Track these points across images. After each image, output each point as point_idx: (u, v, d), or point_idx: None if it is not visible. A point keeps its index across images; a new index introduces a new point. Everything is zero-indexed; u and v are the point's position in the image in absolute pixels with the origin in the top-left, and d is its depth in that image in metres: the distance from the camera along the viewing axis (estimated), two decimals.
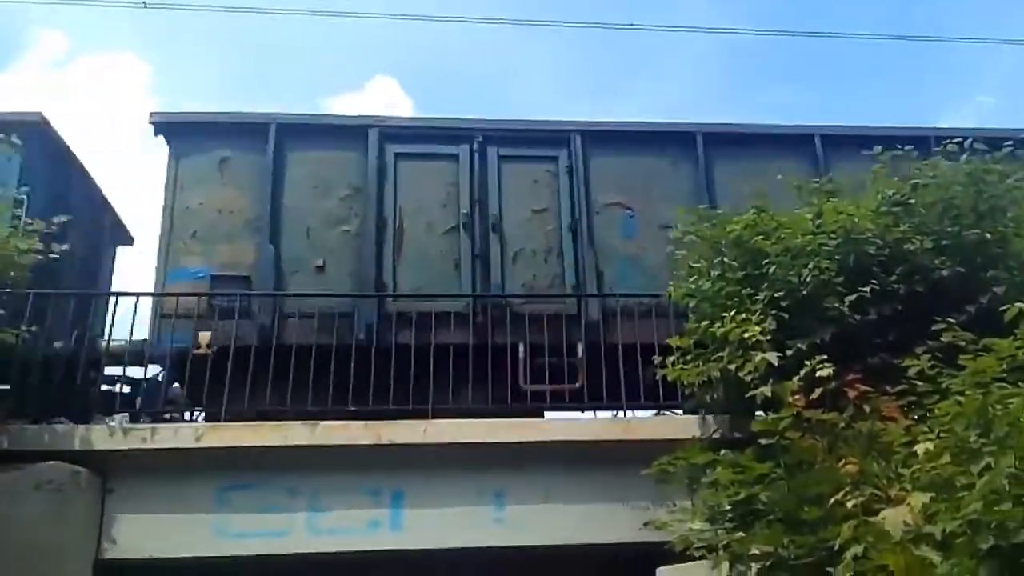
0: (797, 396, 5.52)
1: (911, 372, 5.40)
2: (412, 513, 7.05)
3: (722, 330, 6.35)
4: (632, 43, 43.74)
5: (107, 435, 6.94)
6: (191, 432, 6.98)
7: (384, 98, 35.40)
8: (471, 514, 7.08)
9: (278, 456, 6.99)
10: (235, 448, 6.94)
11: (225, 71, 33.64)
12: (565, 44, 36.15)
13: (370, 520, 7.05)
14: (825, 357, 5.69)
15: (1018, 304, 4.71)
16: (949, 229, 6.66)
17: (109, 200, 10.55)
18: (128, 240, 11.07)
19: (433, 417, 7.25)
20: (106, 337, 7.88)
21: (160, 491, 6.98)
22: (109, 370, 7.95)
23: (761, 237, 6.84)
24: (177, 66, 34.16)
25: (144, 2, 12.37)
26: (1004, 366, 4.48)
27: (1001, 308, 4.89)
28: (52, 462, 6.64)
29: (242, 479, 7.03)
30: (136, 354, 7.92)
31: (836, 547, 4.47)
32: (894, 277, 6.43)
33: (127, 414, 7.39)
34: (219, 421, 7.26)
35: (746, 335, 6.10)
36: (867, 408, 5.44)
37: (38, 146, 8.92)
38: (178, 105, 34.72)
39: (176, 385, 8.10)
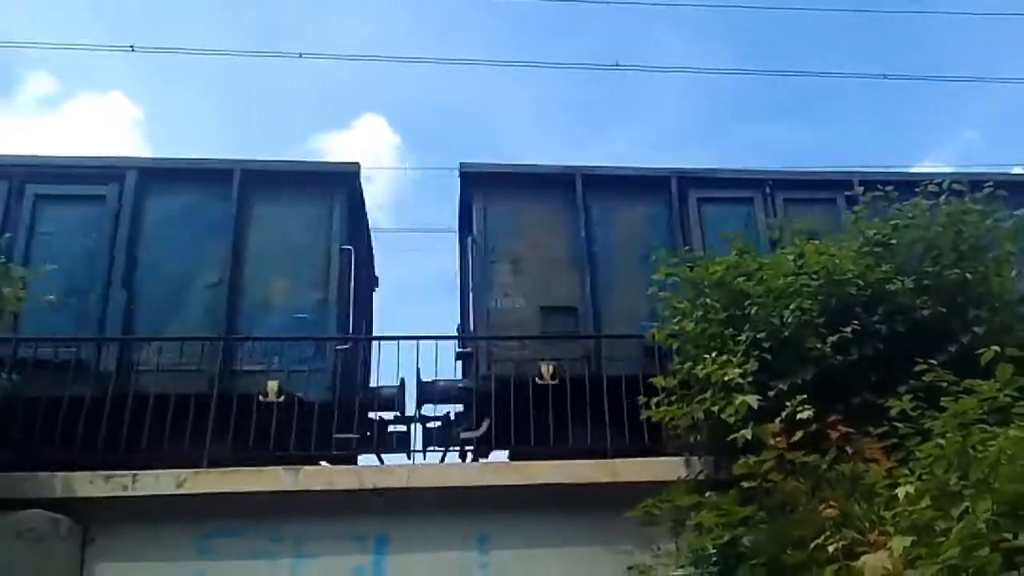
0: (779, 438, 5.50)
1: (893, 413, 5.38)
2: (396, 559, 7.00)
3: (704, 371, 6.34)
4: (618, 82, 44.06)
5: (88, 482, 6.87)
6: (172, 479, 6.92)
7: (372, 136, 35.64)
8: (455, 559, 7.03)
9: (261, 502, 6.93)
10: (217, 494, 6.88)
11: (215, 112, 33.79)
12: (553, 83, 36.42)
13: (354, 566, 6.99)
14: (806, 398, 5.67)
15: (993, 348, 4.71)
16: (930, 269, 6.69)
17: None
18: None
19: None
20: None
21: (141, 538, 6.94)
22: None
23: (743, 278, 6.86)
24: (167, 106, 34.31)
25: (132, 46, 12.45)
26: (984, 408, 4.48)
27: (979, 351, 4.89)
28: (33, 510, 6.58)
29: (224, 526, 6.98)
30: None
31: None
32: (876, 317, 6.44)
33: None
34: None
35: (726, 377, 6.10)
36: (849, 449, 5.43)
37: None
38: (168, 146, 35.12)
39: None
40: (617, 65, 15.87)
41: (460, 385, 8.67)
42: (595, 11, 28.26)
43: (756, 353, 6.40)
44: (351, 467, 7.17)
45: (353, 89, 34.10)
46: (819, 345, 6.31)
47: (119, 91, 37.37)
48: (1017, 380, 4.56)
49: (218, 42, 28.43)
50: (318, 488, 6.99)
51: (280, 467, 7.04)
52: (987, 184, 7.16)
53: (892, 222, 7.02)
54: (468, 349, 8.96)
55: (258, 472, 7.01)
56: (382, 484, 7.03)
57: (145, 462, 7.09)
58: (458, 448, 8.41)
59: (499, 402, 8.01)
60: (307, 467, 7.06)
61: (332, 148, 36.42)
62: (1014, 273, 6.96)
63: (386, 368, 8.54)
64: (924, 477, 4.46)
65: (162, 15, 26.26)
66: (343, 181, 9.37)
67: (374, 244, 10.94)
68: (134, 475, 6.94)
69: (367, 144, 34.73)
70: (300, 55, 14.82)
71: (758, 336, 6.51)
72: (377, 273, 11.18)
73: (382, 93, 34.59)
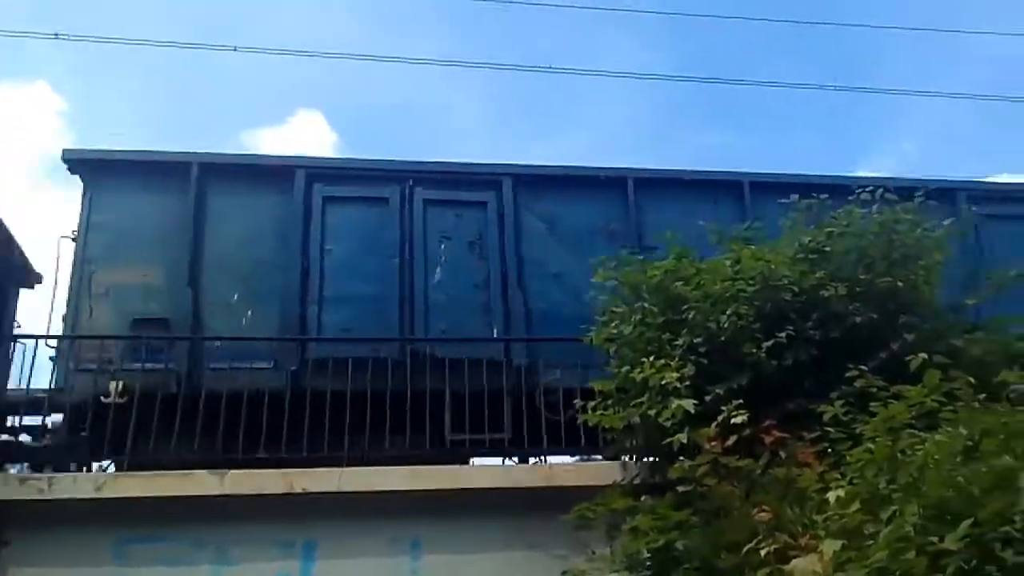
0: (714, 442, 5.50)
1: (826, 418, 5.41)
2: (325, 565, 6.85)
3: (642, 375, 6.32)
4: (561, 86, 44.32)
5: (2, 484, 6.58)
6: (91, 482, 6.67)
7: (308, 131, 35.20)
8: (386, 565, 6.90)
9: (183, 507, 6.72)
10: (137, 499, 6.65)
11: (144, 104, 32.97)
12: (497, 85, 36.54)
13: (280, 572, 6.80)
14: (742, 403, 5.69)
15: (921, 355, 4.76)
16: (863, 276, 6.77)
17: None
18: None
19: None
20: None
21: (58, 543, 6.67)
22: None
23: (681, 283, 6.86)
24: (93, 98, 33.44)
25: (56, 33, 11.95)
26: (913, 413, 4.52)
27: (908, 358, 4.95)
28: None
29: (144, 531, 6.74)
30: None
31: None
32: (810, 323, 6.48)
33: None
34: (124, 471, 6.95)
35: (663, 381, 6.08)
36: (783, 454, 5.45)
37: None
38: (94, 138, 34.13)
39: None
40: (551, 67, 15.81)
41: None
42: (543, 15, 28.37)
43: (693, 358, 6.41)
44: (280, 471, 6.96)
45: (290, 84, 33.58)
46: (755, 350, 6.33)
47: (43, 80, 36.33)
48: (944, 386, 4.62)
49: (149, 32, 27.71)
50: (244, 492, 6.78)
51: (205, 471, 6.82)
52: (918, 192, 7.28)
53: (827, 229, 7.09)
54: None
55: (182, 476, 6.79)
56: (312, 488, 6.85)
57: None
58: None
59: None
60: (234, 471, 6.85)
61: (265, 142, 35.94)
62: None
63: None
64: (855, 481, 4.48)
65: (90, 2, 25.53)
66: None
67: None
68: (50, 478, 6.68)
69: (303, 139, 34.33)
70: (235, 48, 14.44)
71: (695, 341, 6.52)
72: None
73: (321, 89, 34.32)
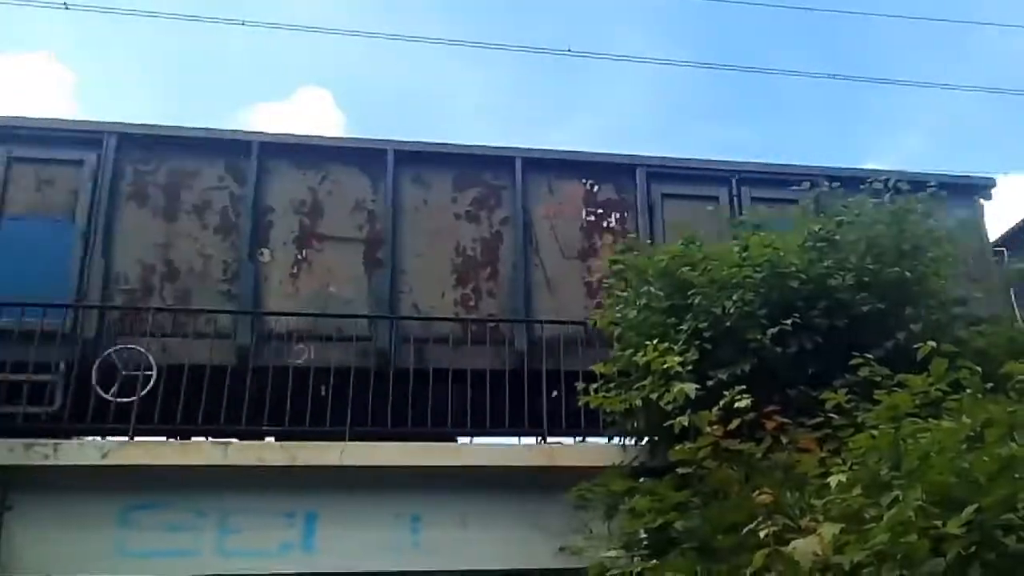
0: (715, 426, 5.52)
1: (828, 405, 5.43)
2: (325, 535, 6.87)
3: (645, 359, 6.34)
4: (571, 73, 44.09)
5: (7, 450, 6.60)
6: (96, 450, 6.68)
7: (314, 109, 35.04)
8: (386, 538, 6.91)
9: (187, 476, 6.75)
10: (142, 467, 6.68)
11: (149, 76, 32.80)
12: (509, 70, 36.33)
13: (282, 542, 6.84)
14: (744, 388, 5.70)
15: (930, 343, 4.77)
16: (871, 266, 6.78)
17: None
18: None
19: None
20: None
21: (62, 509, 6.68)
22: None
23: (688, 268, 6.87)
24: (100, 70, 33.32)
25: (65, 3, 11.87)
26: (917, 401, 4.53)
27: (915, 345, 4.96)
28: None
29: (148, 498, 6.76)
30: None
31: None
32: (816, 311, 6.51)
33: None
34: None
35: (666, 366, 6.10)
36: (784, 439, 5.47)
37: None
38: (100, 110, 33.84)
39: None
40: (569, 51, 15.77)
41: None
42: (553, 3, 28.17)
43: (697, 343, 6.44)
44: (282, 443, 7.00)
45: (297, 62, 33.51)
46: (759, 336, 6.35)
47: (50, 51, 36.22)
48: (950, 375, 4.63)
49: (157, 5, 27.58)
50: (247, 463, 6.82)
51: (208, 441, 6.86)
52: (930, 185, 7.28)
53: (837, 219, 7.10)
54: None
55: (185, 446, 6.83)
56: (314, 461, 6.89)
57: None
58: None
59: None
60: (236, 442, 6.90)
61: (266, 118, 35.81)
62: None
63: None
64: (856, 467, 4.50)
65: None
66: None
67: None
68: (56, 444, 6.68)
69: (307, 116, 34.17)
70: (243, 22, 14.49)
71: (700, 326, 6.54)
72: None
73: (330, 69, 34.23)
